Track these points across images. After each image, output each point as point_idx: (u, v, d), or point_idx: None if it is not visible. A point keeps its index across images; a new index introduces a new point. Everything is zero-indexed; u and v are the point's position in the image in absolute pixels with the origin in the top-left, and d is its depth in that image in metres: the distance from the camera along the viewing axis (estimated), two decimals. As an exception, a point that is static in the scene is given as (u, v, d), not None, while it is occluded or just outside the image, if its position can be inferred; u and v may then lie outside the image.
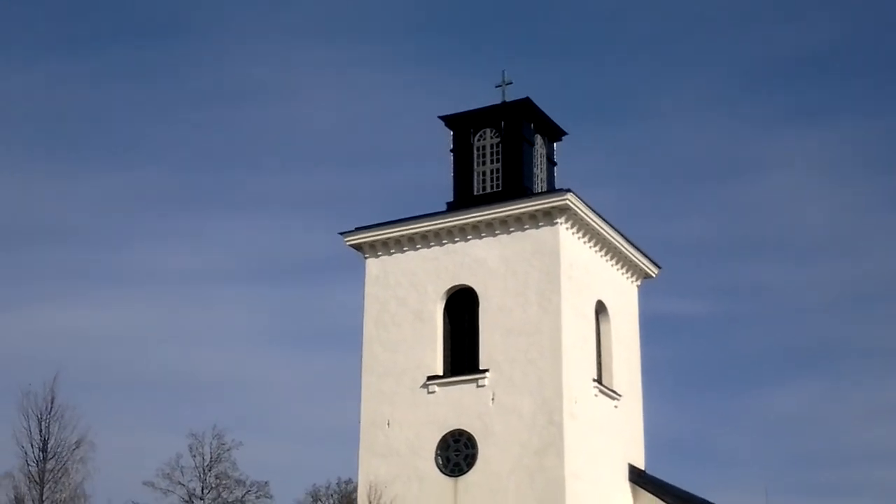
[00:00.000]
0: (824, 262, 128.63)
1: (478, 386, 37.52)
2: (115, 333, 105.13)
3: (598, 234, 39.71)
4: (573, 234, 38.58)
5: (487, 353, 37.78)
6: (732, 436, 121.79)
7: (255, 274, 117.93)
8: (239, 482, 63.10)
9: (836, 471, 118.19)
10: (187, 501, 60.70)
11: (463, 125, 41.44)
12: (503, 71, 41.63)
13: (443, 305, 39.28)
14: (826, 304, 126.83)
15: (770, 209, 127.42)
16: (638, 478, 39.70)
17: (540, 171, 41.47)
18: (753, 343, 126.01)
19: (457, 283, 39.06)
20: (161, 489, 61.07)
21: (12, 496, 35.03)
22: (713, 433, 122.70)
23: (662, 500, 39.21)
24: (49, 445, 35.24)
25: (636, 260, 42.19)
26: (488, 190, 40.49)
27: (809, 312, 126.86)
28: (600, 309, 40.25)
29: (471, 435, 37.15)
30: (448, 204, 40.78)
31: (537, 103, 41.23)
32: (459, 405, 37.59)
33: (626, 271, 42.18)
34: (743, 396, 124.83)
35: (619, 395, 39.92)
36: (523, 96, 40.99)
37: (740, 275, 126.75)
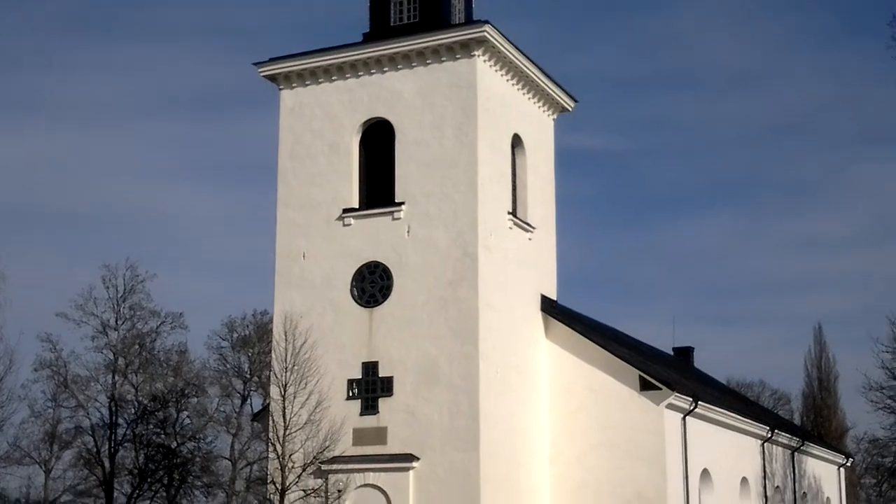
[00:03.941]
0: (738, 97, 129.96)
1: (393, 219, 37.63)
2: (23, 165, 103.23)
3: (516, 66, 39.48)
4: (490, 66, 38.30)
5: (403, 186, 37.80)
6: (643, 268, 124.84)
7: (167, 105, 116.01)
8: (153, 313, 63.23)
9: (744, 302, 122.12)
10: (101, 332, 60.80)
11: (379, -47, 40.50)
12: None
13: (359, 138, 39.05)
14: (740, 138, 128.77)
15: (684, 43, 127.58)
16: (549, 308, 40.51)
17: (458, 2, 40.89)
18: (666, 178, 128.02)
19: (373, 116, 38.78)
20: (74, 320, 61.04)
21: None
22: (625, 266, 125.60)
23: (572, 328, 40.21)
24: (-42, 276, 34.79)
25: (553, 93, 42.13)
26: (405, 21, 39.90)
27: (723, 147, 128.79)
28: (516, 142, 40.33)
29: (386, 266, 37.46)
30: (364, 35, 40.15)
31: (455, -68, 40.38)
32: (375, 238, 37.76)
33: (543, 105, 42.15)
34: (655, 231, 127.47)
35: (534, 228, 40.38)
36: (441, -76, 40.09)
37: (655, 109, 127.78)
